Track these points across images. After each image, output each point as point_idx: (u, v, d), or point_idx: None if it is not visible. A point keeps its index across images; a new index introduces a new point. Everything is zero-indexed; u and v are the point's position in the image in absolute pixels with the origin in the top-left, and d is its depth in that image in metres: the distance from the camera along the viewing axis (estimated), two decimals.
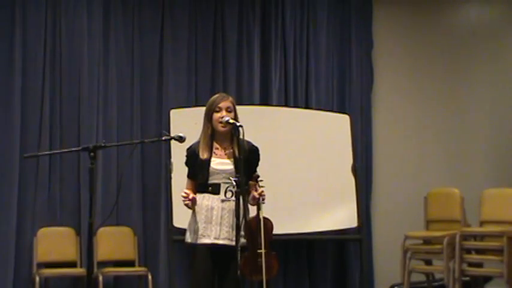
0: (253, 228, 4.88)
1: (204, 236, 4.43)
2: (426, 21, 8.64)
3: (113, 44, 7.70)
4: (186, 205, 4.49)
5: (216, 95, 4.66)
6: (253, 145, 4.50)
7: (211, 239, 4.44)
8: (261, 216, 4.87)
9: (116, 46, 7.71)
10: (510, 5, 8.62)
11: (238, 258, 4.27)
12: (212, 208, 4.44)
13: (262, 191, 4.58)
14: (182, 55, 7.89)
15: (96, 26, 7.62)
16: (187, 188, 4.55)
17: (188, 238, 4.53)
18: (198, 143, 4.54)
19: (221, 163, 4.45)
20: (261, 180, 4.63)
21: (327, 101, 8.24)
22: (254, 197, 4.58)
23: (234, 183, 4.34)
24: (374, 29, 8.53)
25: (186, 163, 4.60)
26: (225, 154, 4.51)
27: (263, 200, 4.66)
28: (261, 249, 4.83)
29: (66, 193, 7.42)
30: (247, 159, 4.45)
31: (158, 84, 7.82)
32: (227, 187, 4.46)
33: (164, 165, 7.48)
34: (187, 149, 4.60)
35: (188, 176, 4.60)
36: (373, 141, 8.42)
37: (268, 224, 5.04)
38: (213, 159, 4.49)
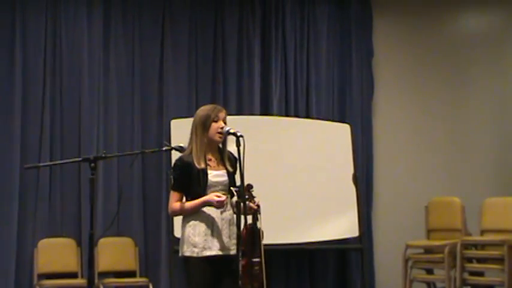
0: (247, 238, 4.88)
1: (206, 248, 4.38)
2: (426, 30, 8.65)
3: (113, 53, 7.71)
4: (219, 204, 4.33)
5: (210, 106, 4.54)
6: (233, 154, 4.46)
7: (216, 250, 4.38)
8: (259, 227, 4.85)
9: (116, 56, 7.73)
10: (509, 13, 8.63)
11: (240, 267, 4.26)
12: (213, 220, 4.41)
13: (259, 201, 4.55)
14: (182, 65, 7.90)
15: (96, 36, 7.64)
16: (176, 201, 4.48)
17: (186, 252, 4.40)
18: (188, 154, 4.42)
19: (217, 175, 4.42)
20: (253, 191, 4.61)
21: (327, 111, 8.24)
22: (251, 208, 4.50)
23: (236, 194, 4.34)
24: (374, 38, 8.54)
25: (178, 175, 4.44)
26: (218, 165, 4.48)
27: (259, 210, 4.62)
28: (255, 258, 4.83)
29: (66, 204, 7.41)
30: (234, 168, 4.47)
31: (159, 94, 7.83)
32: None
33: (165, 175, 7.47)
34: (178, 160, 4.45)
35: (177, 189, 4.46)
36: (374, 150, 8.42)
37: (259, 233, 5.05)
38: (209, 171, 4.41)
